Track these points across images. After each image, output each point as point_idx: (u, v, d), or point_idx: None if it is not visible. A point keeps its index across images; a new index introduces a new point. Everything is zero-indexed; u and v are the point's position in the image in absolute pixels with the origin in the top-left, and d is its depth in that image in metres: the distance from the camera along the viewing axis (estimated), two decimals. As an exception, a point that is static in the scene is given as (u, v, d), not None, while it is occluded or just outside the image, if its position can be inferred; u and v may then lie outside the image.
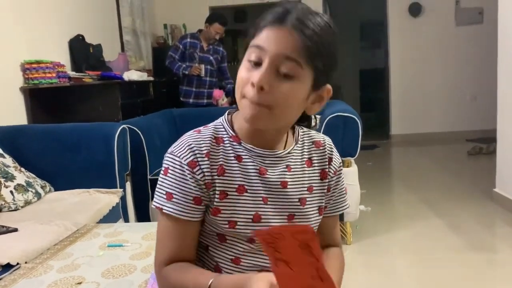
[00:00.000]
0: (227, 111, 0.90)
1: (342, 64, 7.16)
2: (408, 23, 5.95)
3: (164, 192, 0.82)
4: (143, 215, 2.75)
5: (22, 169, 2.28)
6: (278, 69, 0.74)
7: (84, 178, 2.38)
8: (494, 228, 2.96)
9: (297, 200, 0.86)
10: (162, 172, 0.83)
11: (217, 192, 0.82)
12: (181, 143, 0.83)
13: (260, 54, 0.74)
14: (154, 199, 0.84)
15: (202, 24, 5.69)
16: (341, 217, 2.65)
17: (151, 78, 4.25)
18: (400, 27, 5.98)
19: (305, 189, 0.87)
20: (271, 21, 0.76)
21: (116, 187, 2.37)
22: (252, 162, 0.84)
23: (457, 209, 3.22)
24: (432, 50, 5.95)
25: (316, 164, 0.90)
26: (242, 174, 0.83)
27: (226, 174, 0.82)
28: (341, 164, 0.95)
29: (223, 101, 4.07)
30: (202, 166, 0.81)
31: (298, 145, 0.89)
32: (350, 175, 2.63)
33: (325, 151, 0.92)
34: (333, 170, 0.92)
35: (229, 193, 0.82)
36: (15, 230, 1.73)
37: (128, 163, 2.51)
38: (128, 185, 2.54)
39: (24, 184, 2.18)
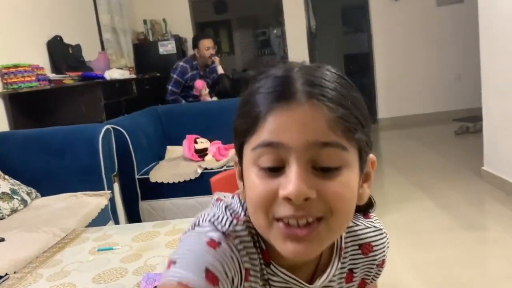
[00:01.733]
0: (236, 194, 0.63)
1: (327, 50, 7.17)
2: (389, 6, 5.93)
3: (203, 268, 0.50)
4: (133, 216, 2.73)
5: (6, 176, 2.23)
6: (314, 165, 0.50)
7: (70, 182, 2.34)
8: (484, 206, 2.99)
9: None
10: (204, 242, 0.54)
11: None
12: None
13: (277, 153, 0.50)
14: (173, 268, 0.51)
15: (182, 18, 5.63)
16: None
17: (134, 76, 4.20)
18: (382, 10, 5.96)
19: None
20: (274, 100, 0.51)
21: (104, 189, 2.33)
22: None
23: (447, 189, 3.25)
24: (415, 31, 5.95)
25: (357, 276, 0.67)
26: None
27: None
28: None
29: (206, 91, 4.02)
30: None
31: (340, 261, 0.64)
32: (339, 162, 2.63)
33: (375, 259, 0.67)
34: (379, 272, 0.71)
35: None
36: (2, 239, 1.70)
37: (115, 164, 2.47)
38: (116, 186, 2.51)
39: (9, 192, 2.13)
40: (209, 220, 0.57)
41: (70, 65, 3.50)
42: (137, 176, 2.75)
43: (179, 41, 5.19)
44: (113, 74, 3.61)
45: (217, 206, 0.61)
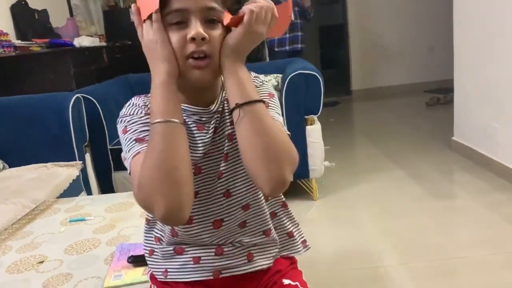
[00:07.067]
0: None
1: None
2: (365, -24, 5.89)
3: (134, 141, 0.80)
4: (106, 187, 2.68)
5: (-29, 147, 2.15)
6: (205, 20, 0.77)
7: (40, 153, 2.27)
8: (453, 175, 3.07)
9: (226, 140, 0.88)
10: (121, 133, 0.83)
11: None
12: (129, 107, 0.86)
13: (182, 15, 0.76)
14: (126, 157, 0.81)
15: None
16: (307, 174, 2.67)
17: (104, 44, 4.06)
18: (357, -20, 5.92)
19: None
20: None
21: (75, 160, 2.28)
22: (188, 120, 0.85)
23: (418, 159, 3.32)
24: (389, 3, 5.95)
25: None
26: None
27: None
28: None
29: None
30: None
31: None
32: (314, 133, 2.64)
33: None
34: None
35: None
36: (-31, 211, 1.65)
37: (86, 134, 2.41)
38: (88, 157, 2.45)
39: (-25, 163, 2.06)
40: (120, 115, 0.85)
41: (37, 31, 3.35)
42: (109, 147, 2.69)
43: (151, 9, 5.02)
44: (83, 41, 3.48)
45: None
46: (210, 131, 0.86)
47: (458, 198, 2.71)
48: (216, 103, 0.87)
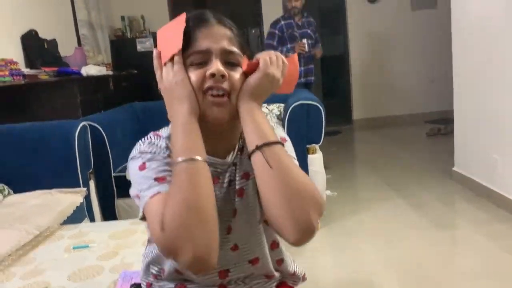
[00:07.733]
0: None
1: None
2: (365, 9, 6.03)
3: (153, 180, 0.76)
4: (109, 214, 2.70)
5: (-22, 173, 2.18)
6: (224, 63, 0.80)
7: (45, 179, 2.30)
8: (454, 205, 3.08)
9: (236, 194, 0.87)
10: (137, 169, 0.79)
11: None
12: (150, 145, 0.83)
13: (204, 56, 0.79)
14: (141, 195, 0.77)
15: (161, 14, 5.58)
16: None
17: (111, 72, 4.15)
18: (358, 13, 6.05)
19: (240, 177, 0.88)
20: (198, 22, 0.81)
21: (79, 186, 2.30)
22: None
23: (419, 189, 3.33)
24: (390, 35, 6.07)
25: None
26: None
27: None
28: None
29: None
30: None
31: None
32: (316, 162, 2.67)
33: None
34: None
35: None
36: (-26, 237, 1.66)
37: (91, 161, 2.44)
38: (91, 184, 2.48)
39: (-19, 189, 2.09)
40: (138, 151, 0.82)
41: (46, 60, 3.44)
42: (113, 174, 2.72)
43: (157, 39, 5.15)
44: (90, 70, 3.56)
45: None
46: (224, 185, 0.86)
47: (459, 228, 2.71)
48: (233, 154, 0.86)
